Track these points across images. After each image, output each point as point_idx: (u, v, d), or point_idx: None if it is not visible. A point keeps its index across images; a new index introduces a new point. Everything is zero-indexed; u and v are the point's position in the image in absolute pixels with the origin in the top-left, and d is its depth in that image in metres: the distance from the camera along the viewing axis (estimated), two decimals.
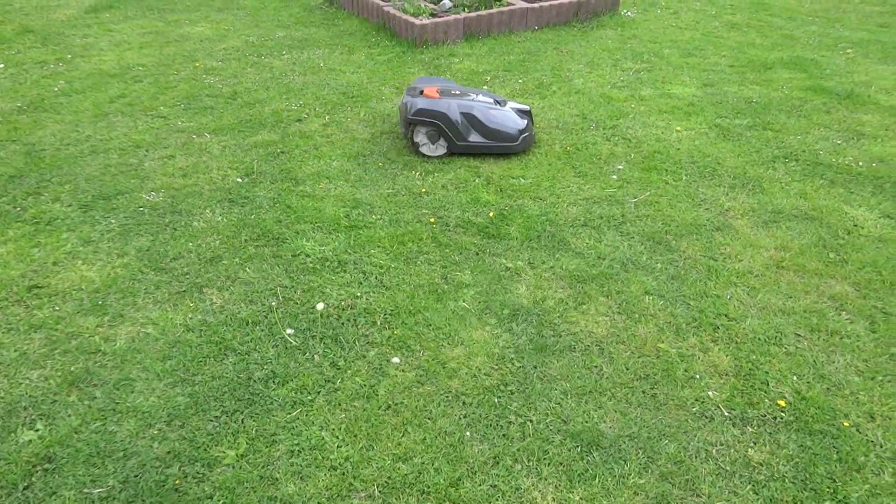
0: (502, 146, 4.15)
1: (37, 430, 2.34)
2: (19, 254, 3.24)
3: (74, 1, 7.63)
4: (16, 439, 2.31)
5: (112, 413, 2.41)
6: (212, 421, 2.39)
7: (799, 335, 2.81)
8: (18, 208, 3.62)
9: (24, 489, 2.14)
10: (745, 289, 3.07)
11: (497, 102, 4.22)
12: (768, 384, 2.57)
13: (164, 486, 2.16)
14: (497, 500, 2.13)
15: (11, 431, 2.33)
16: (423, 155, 4.21)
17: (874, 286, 3.09)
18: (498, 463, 2.25)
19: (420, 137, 4.17)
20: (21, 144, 4.30)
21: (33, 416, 2.40)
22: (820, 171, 4.07)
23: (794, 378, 2.60)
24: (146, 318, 2.86)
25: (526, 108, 4.30)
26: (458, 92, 4.26)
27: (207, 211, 3.62)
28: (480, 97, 4.24)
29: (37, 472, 2.20)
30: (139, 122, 4.65)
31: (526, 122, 4.19)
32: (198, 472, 2.21)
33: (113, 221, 3.52)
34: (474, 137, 4.14)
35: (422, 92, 4.21)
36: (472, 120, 4.09)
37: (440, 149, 4.19)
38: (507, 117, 4.14)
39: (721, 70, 5.71)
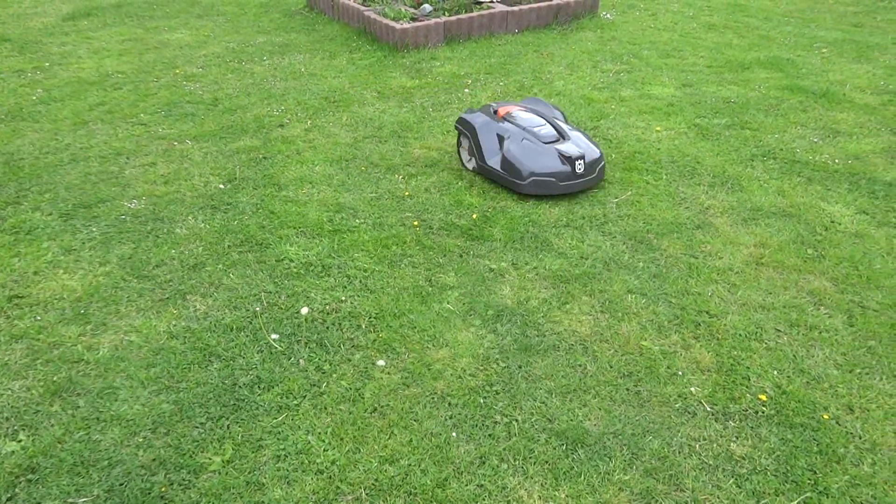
0: (510, 181, 3.80)
1: (19, 441, 2.32)
2: None
3: (52, 9, 7.57)
4: None
5: (96, 422, 2.40)
6: (197, 427, 2.38)
7: (779, 330, 2.85)
8: None
9: (6, 501, 2.12)
10: (725, 286, 3.11)
11: (559, 136, 3.88)
12: (749, 379, 2.60)
13: (149, 493, 2.15)
14: (484, 499, 2.14)
15: None
16: (465, 167, 4.14)
17: (851, 281, 3.14)
18: (484, 463, 2.26)
19: (464, 147, 4.13)
20: None
21: (15, 427, 2.37)
22: (797, 169, 4.13)
23: (775, 372, 2.63)
24: (129, 326, 2.84)
25: (578, 153, 3.76)
26: (525, 117, 4.02)
27: (190, 218, 3.61)
28: (537, 129, 3.90)
29: (20, 483, 2.18)
30: (119, 129, 4.62)
31: (561, 168, 3.72)
32: (184, 479, 2.20)
33: (94, 230, 3.49)
34: (494, 162, 3.87)
35: (496, 111, 4.11)
36: (501, 143, 3.88)
37: (472, 163, 4.06)
38: (532, 154, 3.77)
39: (699, 70, 5.78)
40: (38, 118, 4.77)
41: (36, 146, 4.37)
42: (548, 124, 3.96)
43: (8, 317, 2.89)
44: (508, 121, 4.01)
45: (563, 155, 3.75)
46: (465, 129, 4.02)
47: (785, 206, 3.73)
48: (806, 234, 3.49)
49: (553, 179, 3.73)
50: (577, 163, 3.74)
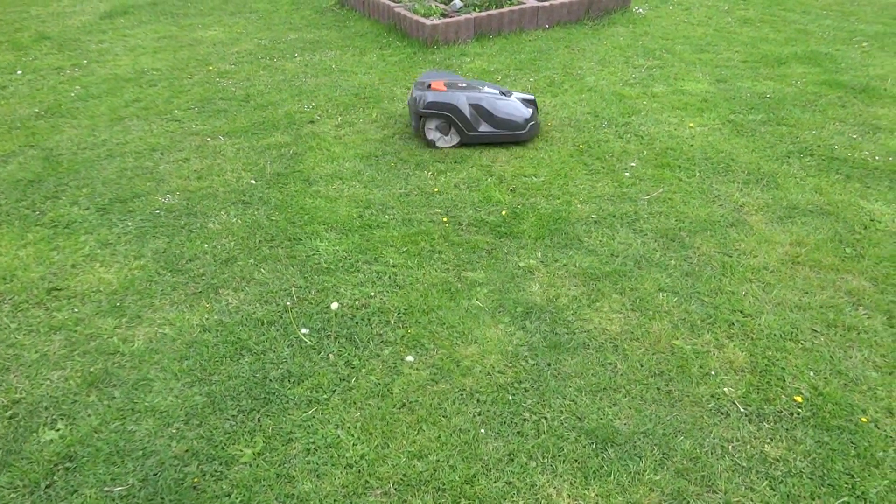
0: (511, 134, 4.29)
1: (58, 430, 2.38)
2: (39, 256, 3.29)
3: (90, 7, 7.72)
4: (38, 439, 2.34)
5: (131, 413, 2.45)
6: (229, 420, 2.41)
7: (815, 331, 2.79)
8: (37, 212, 3.67)
9: (46, 487, 2.18)
10: (760, 285, 3.05)
11: (502, 93, 4.34)
12: (784, 380, 2.55)
13: (182, 484, 2.19)
14: (512, 496, 2.13)
15: (33, 431, 2.37)
16: (437, 147, 4.30)
17: (892, 281, 3.06)
18: (513, 460, 2.25)
19: (431, 130, 4.27)
20: (39, 149, 4.37)
21: (54, 416, 2.43)
22: (835, 166, 4.04)
23: (811, 374, 2.58)
24: (163, 319, 2.89)
25: (531, 97, 4.43)
26: (464, 85, 4.37)
27: (222, 212, 3.66)
28: (486, 88, 4.35)
29: (58, 470, 2.23)
30: (154, 125, 4.70)
31: (531, 110, 4.31)
32: (215, 471, 2.23)
33: (130, 224, 3.56)
34: (484, 127, 4.27)
35: (429, 86, 4.30)
36: (480, 111, 4.23)
37: (453, 139, 4.29)
38: (514, 107, 4.27)
39: (734, 65, 5.67)
40: (76, 114, 4.88)
41: (74, 142, 4.46)
42: (487, 85, 4.41)
43: (47, 308, 2.96)
44: (463, 90, 4.26)
45: (526, 101, 4.36)
46: (443, 109, 4.17)
47: (822, 204, 3.65)
48: (844, 233, 3.40)
49: (534, 122, 4.32)
50: (536, 104, 4.44)
